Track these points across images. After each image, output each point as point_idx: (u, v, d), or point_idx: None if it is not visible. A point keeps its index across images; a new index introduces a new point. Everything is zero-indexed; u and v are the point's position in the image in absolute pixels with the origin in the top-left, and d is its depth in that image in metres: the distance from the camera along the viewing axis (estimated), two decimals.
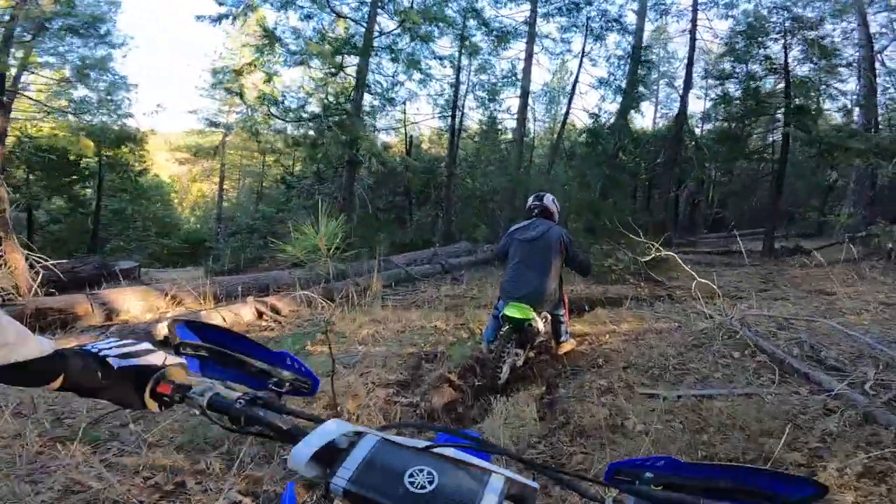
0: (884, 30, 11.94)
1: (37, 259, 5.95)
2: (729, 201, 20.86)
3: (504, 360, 3.33)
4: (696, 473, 0.50)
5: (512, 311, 3.34)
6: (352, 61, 12.06)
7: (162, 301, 5.67)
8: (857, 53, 11.90)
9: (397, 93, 14.51)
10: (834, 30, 11.68)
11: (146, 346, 0.70)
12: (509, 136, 16.92)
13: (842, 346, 3.48)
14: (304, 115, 12.12)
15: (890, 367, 2.94)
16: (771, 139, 16.41)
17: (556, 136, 15.61)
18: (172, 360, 0.70)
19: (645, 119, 24.21)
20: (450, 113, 15.83)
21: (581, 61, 14.17)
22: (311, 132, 12.15)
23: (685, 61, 12.89)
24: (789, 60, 11.15)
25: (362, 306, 5.65)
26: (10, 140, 13.63)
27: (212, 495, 1.96)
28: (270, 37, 11.15)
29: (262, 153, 21.07)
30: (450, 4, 13.24)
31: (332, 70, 11.69)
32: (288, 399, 0.71)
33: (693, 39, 12.36)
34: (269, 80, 11.33)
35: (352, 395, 2.99)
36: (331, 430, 0.52)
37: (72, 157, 16.33)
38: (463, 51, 14.70)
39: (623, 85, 13.47)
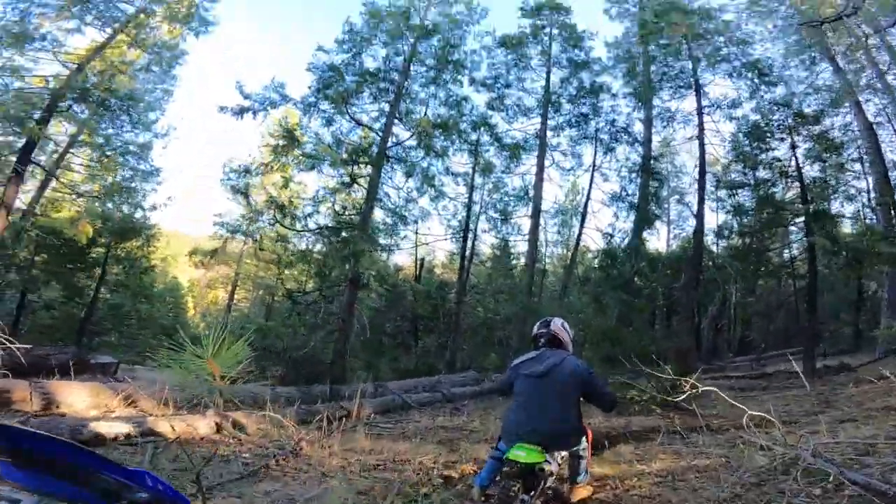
0: (879, 118, 12.20)
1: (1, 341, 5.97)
2: (753, 322, 19.83)
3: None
4: None
5: (519, 454, 2.78)
6: (366, 172, 12.41)
7: (114, 400, 5.53)
8: (861, 145, 11.99)
9: (410, 210, 14.57)
10: (833, 125, 11.94)
11: None
12: (522, 261, 16.86)
13: None
14: (310, 226, 12.15)
15: None
16: (789, 254, 16.02)
17: (569, 258, 15.46)
18: None
19: (659, 240, 24.35)
20: (462, 235, 16.01)
21: (592, 176, 14.54)
22: (317, 245, 12.08)
23: (696, 170, 12.99)
24: (799, 161, 11.21)
25: (344, 433, 5.19)
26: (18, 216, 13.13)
27: None
28: (289, 137, 11.60)
29: (276, 265, 21.06)
30: (464, 118, 14.01)
31: (346, 180, 11.99)
32: None
33: (702, 145, 12.51)
34: (285, 185, 11.57)
35: None
36: None
37: (80, 245, 15.68)
38: (476, 168, 15.21)
39: (635, 200, 13.59)
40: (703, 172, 12.71)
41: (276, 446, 4.69)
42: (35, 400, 4.99)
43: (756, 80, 12.12)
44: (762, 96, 12.12)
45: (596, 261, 15.32)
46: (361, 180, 12.44)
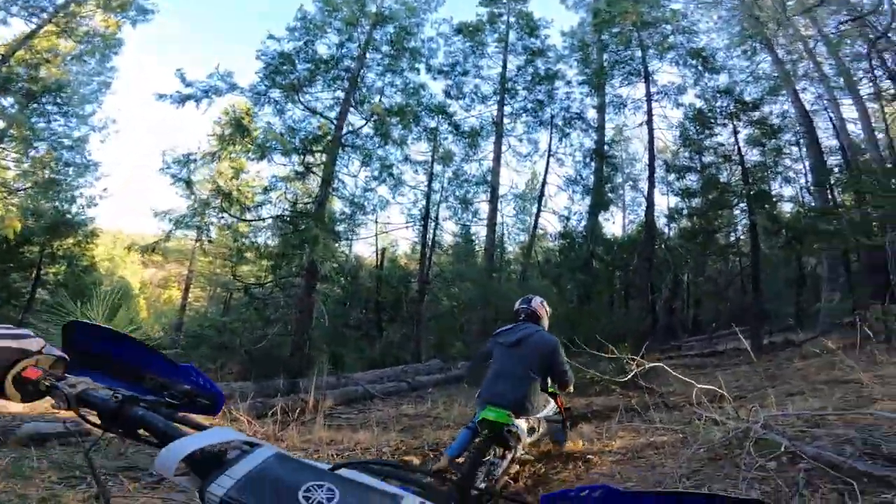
0: (815, 106, 12.89)
1: None
2: (704, 302, 20.71)
3: (479, 467, 2.93)
4: (635, 503, 0.48)
5: (489, 415, 3.03)
6: (320, 161, 11.98)
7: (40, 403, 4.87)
8: (798, 131, 12.64)
9: (369, 199, 14.27)
10: (772, 112, 12.58)
11: (25, 331, 0.63)
12: (482, 247, 16.88)
13: None
14: (262, 216, 11.61)
15: None
16: (734, 237, 16.80)
17: (528, 239, 15.58)
18: (52, 351, 0.62)
19: (615, 225, 25.04)
20: (422, 223, 15.81)
21: (548, 161, 14.74)
22: (274, 239, 11.57)
23: (647, 155, 13.51)
24: (741, 145, 11.71)
25: (303, 425, 5.09)
26: None
27: None
28: (237, 125, 11.00)
29: (230, 260, 20.14)
30: (421, 105, 13.79)
31: (299, 169, 11.50)
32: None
33: (651, 131, 13.03)
34: (236, 175, 10.95)
35: None
36: (215, 435, 0.46)
37: (11, 243, 14.64)
38: (435, 155, 15.06)
39: (590, 185, 13.86)
40: (652, 157, 13.18)
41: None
42: None
43: (700, 68, 12.58)
44: (706, 84, 12.62)
45: (554, 244, 15.54)
46: (316, 169, 11.98)
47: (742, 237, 16.56)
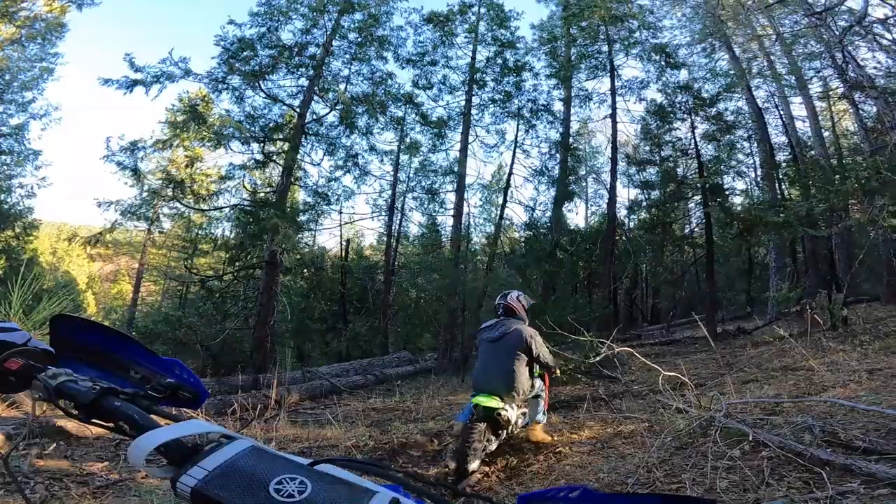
0: (766, 104, 13.46)
1: None
2: (662, 291, 21.50)
3: (472, 442, 3.35)
4: None
5: (481, 399, 3.49)
6: (282, 149, 11.56)
7: None
8: (751, 127, 13.23)
9: (333, 189, 13.86)
10: (727, 108, 13.09)
11: (10, 324, 0.64)
12: (450, 241, 16.84)
13: (857, 423, 2.78)
14: (217, 205, 11.08)
15: None
16: (688, 229, 17.50)
17: (494, 229, 15.62)
18: (38, 345, 0.63)
19: (578, 217, 25.59)
20: (388, 214, 15.57)
21: (514, 152, 14.71)
22: (227, 226, 11.07)
23: (610, 148, 13.78)
24: (697, 140, 12.12)
25: (266, 422, 4.96)
26: None
27: None
28: (192, 112, 10.38)
29: (185, 252, 19.24)
30: (389, 95, 13.53)
31: (258, 157, 11.00)
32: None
33: (614, 124, 13.23)
34: (190, 164, 10.34)
35: None
36: (189, 427, 0.47)
37: None
38: (402, 146, 14.86)
39: (556, 175, 14.04)
40: (615, 150, 13.49)
41: None
42: None
43: (663, 64, 12.90)
44: (668, 79, 12.99)
45: (520, 234, 15.68)
46: (277, 158, 11.53)
47: (696, 229, 17.28)
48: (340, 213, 16.24)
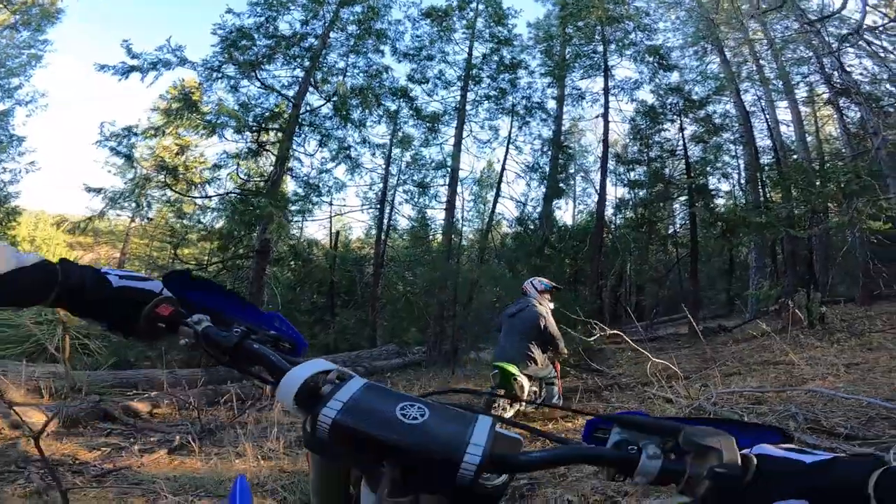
0: (753, 108, 13.82)
1: None
2: (646, 289, 21.91)
3: (492, 406, 3.84)
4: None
5: (500, 364, 4.26)
6: (275, 139, 11.46)
7: None
8: (737, 129, 13.55)
9: (324, 181, 13.70)
10: (715, 111, 13.44)
11: (145, 275, 0.68)
12: (440, 234, 16.86)
13: (837, 411, 2.95)
14: (210, 193, 10.91)
15: None
16: (672, 228, 17.87)
17: (485, 225, 15.73)
18: (167, 294, 0.67)
19: (566, 214, 25.83)
20: (378, 206, 15.53)
21: (507, 147, 14.82)
22: (220, 221, 10.92)
23: (600, 147, 13.99)
24: (686, 141, 12.37)
25: (261, 411, 5.06)
26: None
27: None
28: (186, 100, 10.22)
29: (170, 243, 18.90)
30: (384, 88, 13.52)
31: (252, 146, 10.87)
32: None
33: (606, 123, 13.41)
34: (181, 151, 10.14)
35: None
36: (320, 364, 0.51)
37: None
38: (394, 139, 14.79)
39: (547, 172, 14.22)
40: (606, 148, 13.66)
41: (178, 431, 4.31)
42: None
43: (656, 65, 13.10)
44: (660, 81, 13.20)
45: (510, 229, 15.81)
46: (271, 147, 11.43)
47: (679, 229, 17.64)
48: (331, 204, 16.15)
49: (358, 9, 12.48)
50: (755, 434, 0.48)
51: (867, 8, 6.95)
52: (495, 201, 14.75)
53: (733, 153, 15.29)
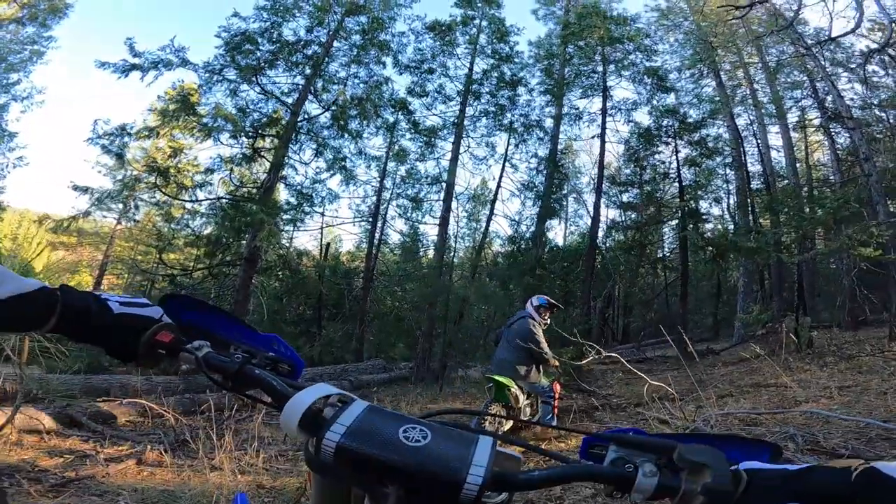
0: (745, 133, 14.07)
1: None
2: (635, 311, 21.96)
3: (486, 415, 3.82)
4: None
5: (494, 376, 4.28)
6: (271, 146, 11.41)
7: None
8: (730, 153, 13.75)
9: (318, 191, 13.60)
10: (709, 134, 13.62)
11: (144, 300, 0.69)
12: (431, 251, 16.77)
13: (835, 433, 2.89)
14: (199, 198, 10.71)
15: None
16: (661, 252, 18.00)
17: (478, 242, 15.67)
18: (167, 320, 0.67)
19: (557, 235, 25.87)
20: (371, 220, 15.41)
21: (504, 165, 14.86)
22: (210, 227, 10.70)
23: (596, 168, 14.08)
24: (679, 164, 12.49)
25: (241, 423, 4.96)
26: None
27: None
28: (183, 101, 10.10)
29: (155, 247, 18.53)
30: (383, 99, 13.58)
31: (247, 151, 10.73)
32: None
33: (603, 144, 13.51)
34: (174, 154, 9.95)
35: None
36: (323, 389, 0.51)
37: None
38: (390, 152, 14.76)
39: (541, 191, 14.23)
40: (601, 169, 13.74)
41: (150, 440, 4.14)
42: None
43: (654, 87, 13.32)
44: (657, 103, 13.41)
45: (503, 247, 15.75)
46: (266, 154, 11.34)
47: (668, 253, 17.78)
48: (323, 215, 16.03)
49: (363, 19, 12.61)
50: (747, 449, 0.50)
51: (893, 25, 7.09)
52: (489, 219, 14.74)
53: (725, 177, 15.54)
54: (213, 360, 0.61)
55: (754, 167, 14.03)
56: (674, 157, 13.12)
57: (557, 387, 4.74)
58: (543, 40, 15.88)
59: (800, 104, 12.24)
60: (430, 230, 16.86)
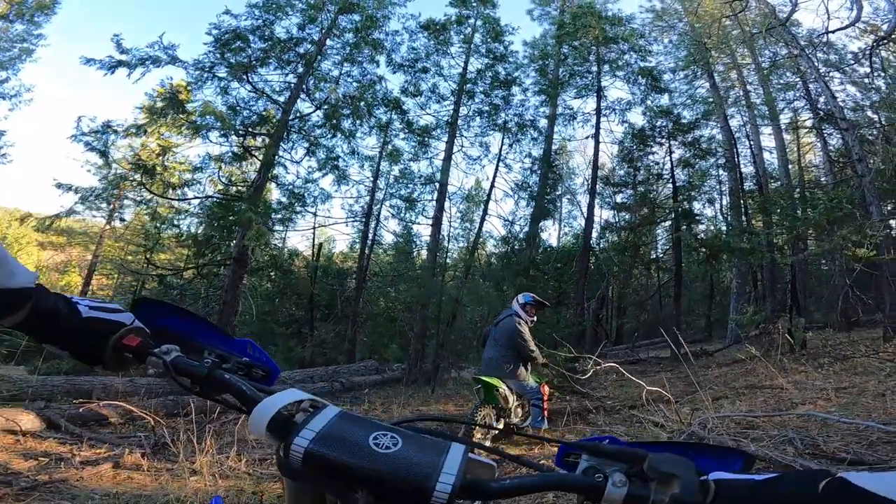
0: (738, 134, 14.10)
1: None
2: (628, 312, 21.98)
3: (476, 416, 3.94)
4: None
5: (483, 377, 4.24)
6: (262, 144, 11.24)
7: None
8: (723, 154, 13.78)
9: (310, 191, 13.42)
10: (702, 135, 13.65)
11: (117, 306, 0.68)
12: (424, 252, 16.63)
13: (834, 436, 2.82)
14: (189, 195, 10.51)
15: None
16: (654, 254, 18.01)
17: (471, 243, 15.58)
18: (138, 324, 0.66)
19: (550, 237, 25.86)
20: (364, 220, 15.28)
21: (497, 165, 14.76)
22: (200, 227, 10.52)
23: (589, 169, 14.04)
24: (673, 165, 12.46)
25: (224, 426, 4.83)
26: None
27: None
28: (172, 99, 9.92)
29: (144, 247, 18.29)
30: (377, 98, 13.44)
31: (237, 150, 10.55)
32: None
33: (597, 144, 13.55)
34: (163, 152, 9.75)
35: None
36: (293, 394, 0.51)
37: None
38: (384, 152, 14.63)
39: (535, 191, 14.22)
40: (595, 169, 13.72)
41: (129, 443, 4.02)
42: None
43: (648, 87, 13.31)
44: (651, 103, 13.41)
45: (496, 248, 15.68)
46: (256, 153, 11.17)
47: (662, 254, 17.79)
48: (315, 215, 15.88)
49: (357, 17, 12.47)
50: (720, 458, 0.52)
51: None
52: (482, 219, 14.65)
53: (718, 178, 15.57)
54: (182, 364, 0.61)
55: (747, 168, 14.09)
56: (667, 158, 13.14)
57: (546, 389, 4.65)
58: (538, 40, 15.89)
59: (792, 105, 12.29)
60: (423, 230, 16.75)
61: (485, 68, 14.24)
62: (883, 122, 8.89)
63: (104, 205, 12.05)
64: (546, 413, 4.53)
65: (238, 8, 12.87)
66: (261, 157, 10.56)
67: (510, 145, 14.83)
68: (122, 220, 13.40)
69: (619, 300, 21.47)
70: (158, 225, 12.44)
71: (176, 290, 13.78)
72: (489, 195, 14.73)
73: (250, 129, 10.99)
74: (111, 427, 4.65)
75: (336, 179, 13.60)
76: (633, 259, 15.56)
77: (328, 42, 12.30)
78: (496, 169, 14.62)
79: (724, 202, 15.88)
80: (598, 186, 14.28)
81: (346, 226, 17.10)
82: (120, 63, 9.72)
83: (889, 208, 8.98)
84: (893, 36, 7.00)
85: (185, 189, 11.09)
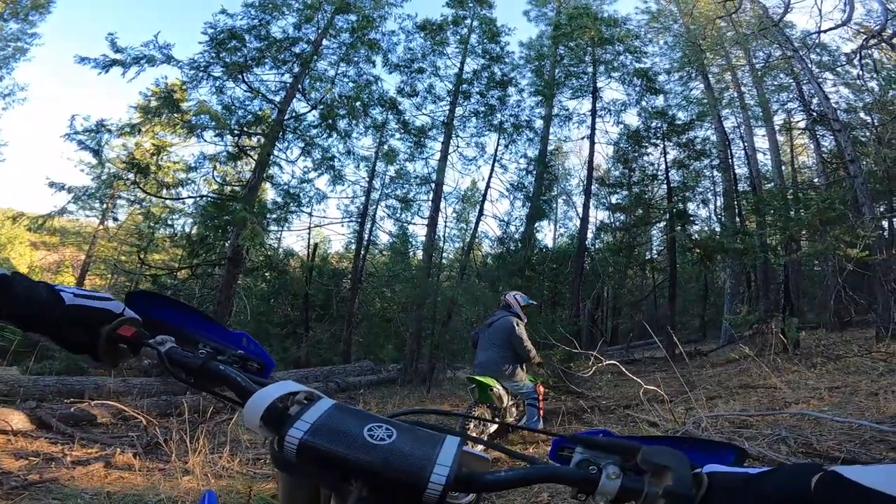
0: (732, 135, 14.19)
1: None
2: (623, 312, 22.06)
3: (470, 419, 3.72)
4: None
5: (477, 377, 4.20)
6: (257, 144, 11.22)
7: None
8: (717, 155, 13.85)
9: (305, 191, 13.40)
10: (697, 136, 13.72)
11: (107, 295, 0.66)
12: (419, 252, 16.64)
13: (827, 435, 2.83)
14: (184, 195, 10.45)
15: None
16: (649, 254, 18.09)
17: (467, 244, 15.58)
18: (130, 314, 0.64)
19: (546, 237, 25.90)
20: (359, 220, 15.24)
21: (493, 165, 14.79)
22: (188, 221, 10.47)
23: (585, 170, 14.10)
24: (668, 165, 12.53)
25: (218, 426, 4.91)
26: None
27: None
28: (166, 98, 9.86)
29: (138, 248, 18.19)
30: (373, 98, 13.42)
31: (232, 150, 10.50)
32: None
33: (592, 145, 13.55)
34: (157, 152, 9.68)
35: None
36: (287, 386, 0.50)
37: None
38: (379, 152, 14.64)
39: (530, 192, 14.22)
40: (591, 170, 13.76)
41: (122, 442, 4.00)
42: None
43: (643, 88, 13.38)
44: (646, 104, 13.48)
45: (492, 248, 15.71)
46: (251, 152, 11.13)
47: (657, 254, 17.88)
48: (311, 215, 15.83)
49: (353, 17, 12.44)
50: (712, 452, 0.52)
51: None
52: (478, 219, 14.65)
53: (712, 179, 15.70)
54: (177, 355, 0.60)
55: (741, 169, 14.19)
56: (662, 159, 13.21)
57: (541, 388, 4.62)
58: (534, 41, 15.94)
59: (786, 107, 12.40)
60: (418, 231, 16.75)
61: (481, 69, 14.24)
62: (875, 124, 8.97)
63: (97, 204, 11.93)
64: (541, 413, 4.49)
65: (234, 7, 12.89)
66: (256, 157, 10.52)
67: (506, 146, 14.86)
68: (115, 219, 13.32)
69: (615, 300, 21.55)
70: (152, 224, 12.37)
71: (170, 290, 13.68)
72: (485, 195, 14.74)
73: (245, 129, 10.95)
74: (103, 427, 4.62)
75: (332, 179, 13.60)
76: (628, 260, 15.62)
77: (324, 42, 12.29)
78: (492, 169, 14.65)
79: (719, 203, 16.01)
80: (593, 187, 14.32)
81: (342, 226, 17.10)
82: (114, 62, 9.65)
83: (881, 209, 9.08)
84: (884, 34, 7.05)
85: (180, 188, 11.02)
